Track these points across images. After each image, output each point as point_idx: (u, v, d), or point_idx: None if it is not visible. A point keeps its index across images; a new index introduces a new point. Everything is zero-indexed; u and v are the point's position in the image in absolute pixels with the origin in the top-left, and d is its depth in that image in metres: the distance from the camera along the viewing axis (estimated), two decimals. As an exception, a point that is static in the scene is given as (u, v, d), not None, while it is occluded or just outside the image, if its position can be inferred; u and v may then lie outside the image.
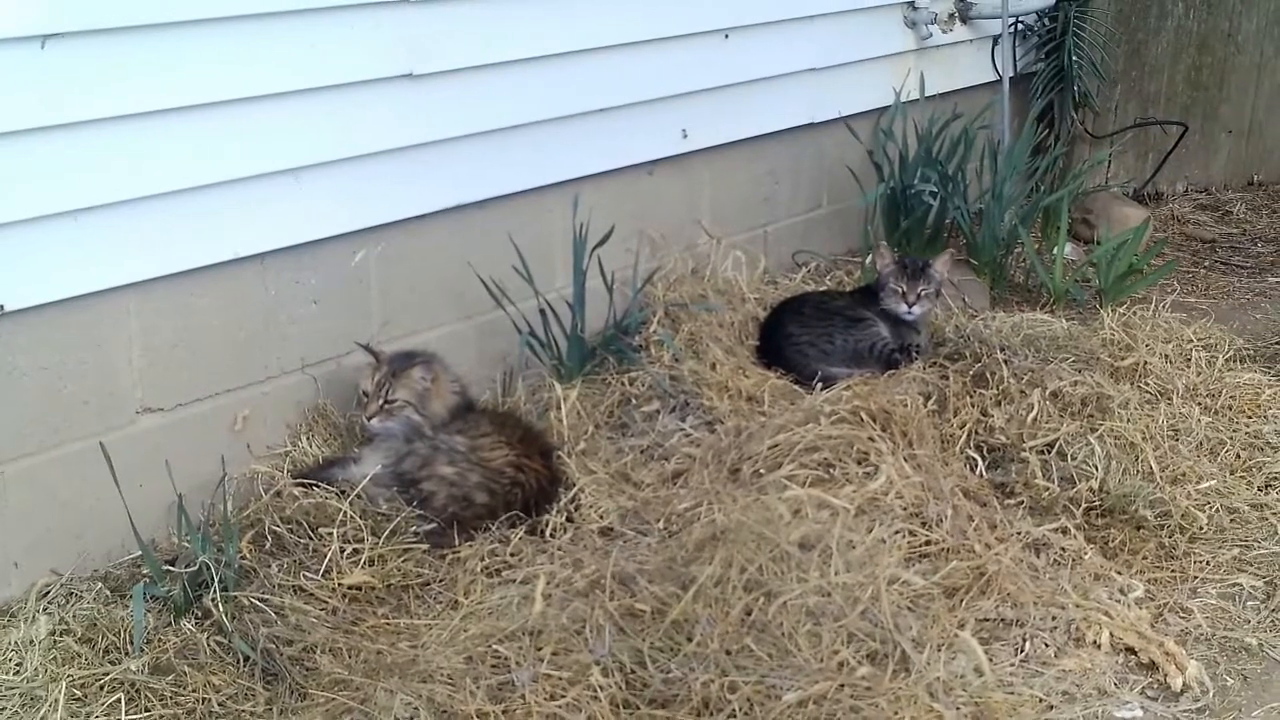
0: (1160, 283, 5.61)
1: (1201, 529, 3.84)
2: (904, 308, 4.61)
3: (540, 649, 3.12)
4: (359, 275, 4.00)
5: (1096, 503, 3.88)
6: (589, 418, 4.14)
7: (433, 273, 4.18)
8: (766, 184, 5.35)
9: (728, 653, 3.06)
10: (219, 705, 3.04)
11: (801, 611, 3.16)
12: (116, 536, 3.44)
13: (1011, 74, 6.11)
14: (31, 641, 3.12)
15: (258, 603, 3.28)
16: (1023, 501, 3.91)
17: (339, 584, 3.42)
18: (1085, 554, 3.67)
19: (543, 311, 4.25)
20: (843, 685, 2.99)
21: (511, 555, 3.56)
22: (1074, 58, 6.35)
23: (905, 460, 3.81)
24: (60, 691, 2.96)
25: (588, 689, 3.01)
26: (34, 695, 2.98)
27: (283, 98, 3.63)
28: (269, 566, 3.42)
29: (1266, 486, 4.09)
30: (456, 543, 3.59)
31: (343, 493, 3.64)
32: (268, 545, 3.51)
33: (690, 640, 3.10)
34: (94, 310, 3.41)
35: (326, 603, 3.37)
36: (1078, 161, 6.45)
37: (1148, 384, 4.50)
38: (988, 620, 3.37)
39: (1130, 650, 3.33)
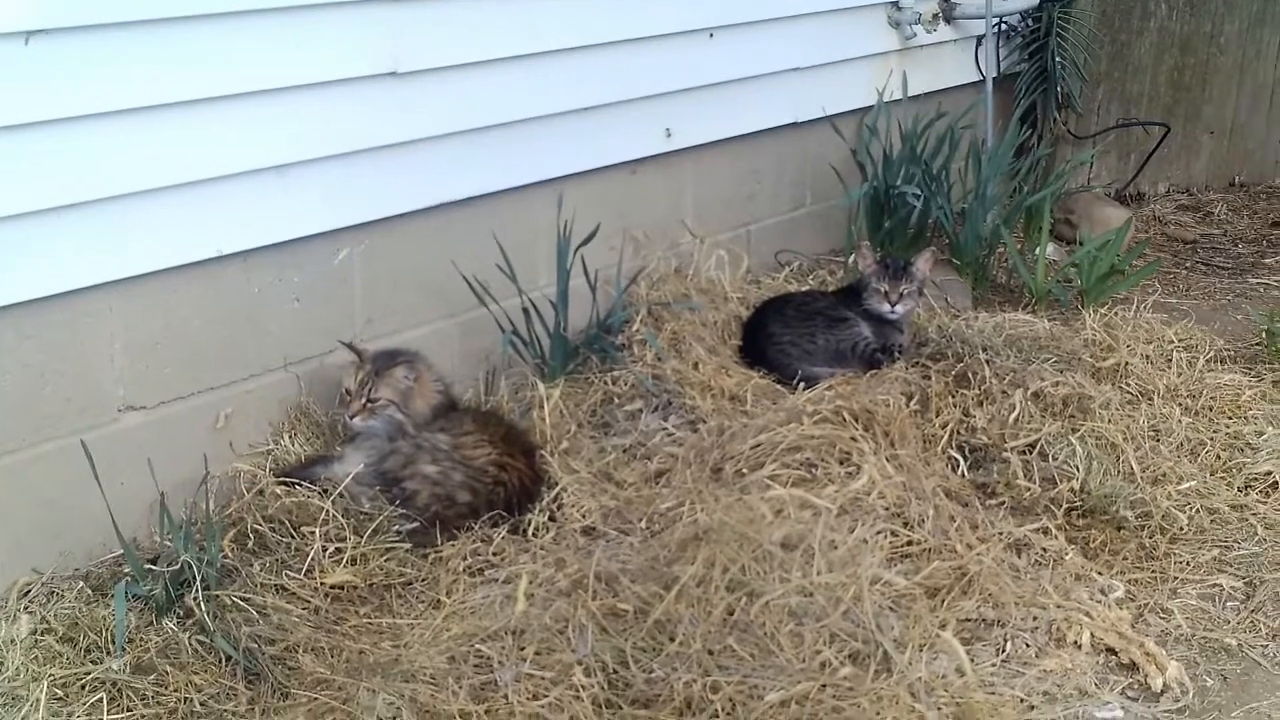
0: (1142, 283, 5.62)
1: (1182, 530, 3.86)
2: (886, 307, 4.62)
3: (523, 648, 3.13)
4: (342, 273, 3.99)
5: (1078, 503, 3.90)
6: (571, 417, 4.14)
7: (416, 271, 4.17)
8: (750, 183, 5.36)
9: (710, 652, 3.07)
10: (201, 705, 3.03)
11: (784, 611, 3.17)
12: (98, 535, 3.43)
13: (995, 74, 6.13)
14: (12, 641, 3.11)
15: (240, 602, 3.28)
16: (1004, 502, 3.92)
17: (321, 583, 3.41)
18: (1066, 554, 3.69)
19: (526, 310, 4.24)
20: (825, 685, 3.00)
21: (494, 554, 3.56)
22: (1057, 58, 6.37)
23: (887, 460, 3.82)
24: (42, 691, 2.95)
25: (570, 688, 3.01)
26: (15, 695, 2.97)
27: (266, 95, 3.62)
28: (251, 565, 3.41)
29: (1246, 487, 4.11)
30: (439, 542, 3.59)
31: (325, 491, 3.64)
32: (250, 544, 3.50)
33: (673, 640, 3.11)
34: (76, 308, 3.40)
35: (309, 602, 3.37)
36: (1060, 162, 6.47)
37: (1129, 385, 4.53)
38: (969, 620, 3.38)
39: (1111, 651, 3.34)
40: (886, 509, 3.66)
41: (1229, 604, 3.62)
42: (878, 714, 2.94)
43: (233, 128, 3.57)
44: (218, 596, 3.27)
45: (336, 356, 3.98)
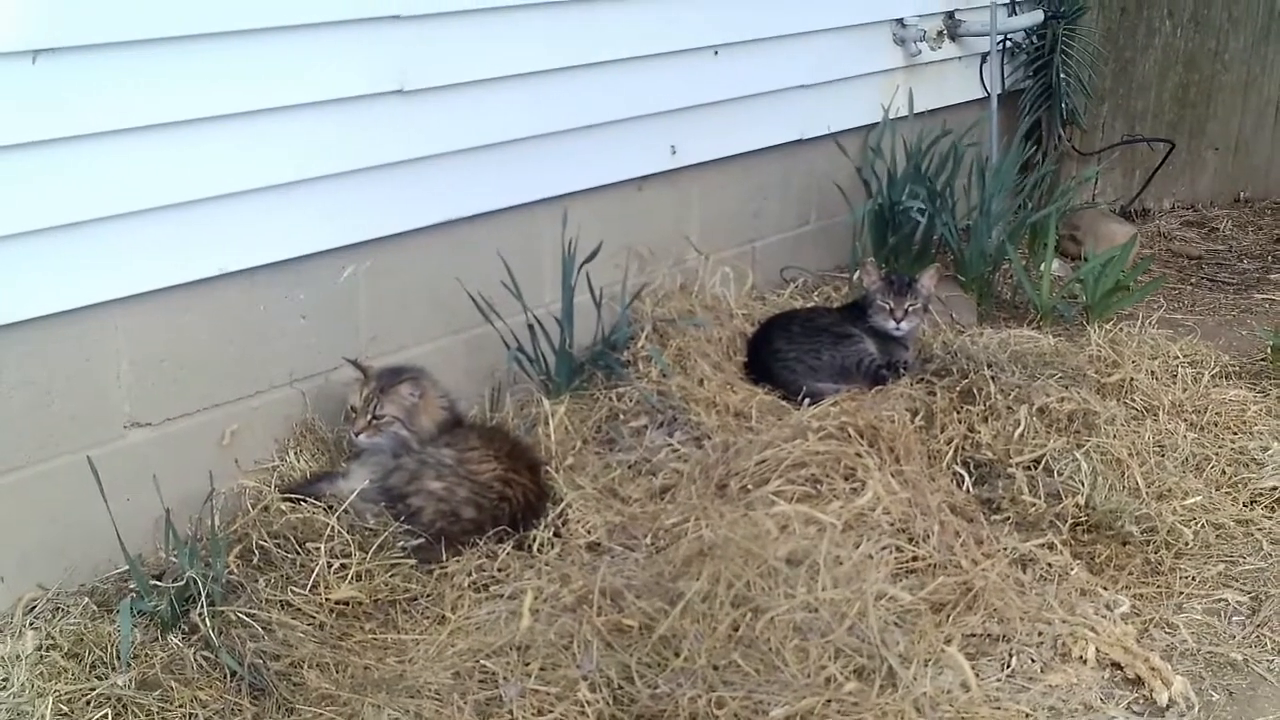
0: (1147, 299, 5.63)
1: (1187, 544, 3.86)
2: (892, 324, 4.62)
3: (528, 664, 3.14)
4: (348, 290, 4.00)
5: (1083, 518, 3.89)
6: (577, 433, 4.15)
7: (421, 288, 4.18)
8: (755, 200, 5.36)
9: (715, 668, 3.07)
10: (205, 720, 3.04)
11: (789, 627, 3.18)
12: (104, 551, 3.43)
13: (1000, 91, 6.14)
14: (18, 656, 3.11)
15: (245, 618, 3.28)
16: (1009, 517, 3.92)
17: (326, 599, 3.42)
18: (1071, 569, 3.68)
19: (531, 327, 4.25)
20: (830, 700, 3.00)
21: (499, 570, 3.56)
22: (1062, 75, 6.38)
23: (892, 476, 3.83)
24: (47, 707, 2.96)
25: (575, 704, 3.02)
26: (21, 710, 2.97)
27: (273, 113, 3.63)
28: (256, 581, 3.42)
29: (1252, 502, 4.11)
30: (444, 558, 3.59)
31: (330, 508, 3.64)
32: (255, 560, 3.51)
33: (678, 655, 3.11)
34: (82, 325, 3.41)
35: (314, 618, 3.37)
36: (1065, 178, 6.48)
37: (1134, 400, 4.53)
38: (974, 635, 3.38)
39: (1116, 665, 3.34)
40: (891, 525, 3.66)
41: (1234, 619, 3.62)
42: (882, 729, 2.95)
43: (238, 145, 3.58)
44: (223, 612, 3.28)
45: (342, 373, 3.98)
